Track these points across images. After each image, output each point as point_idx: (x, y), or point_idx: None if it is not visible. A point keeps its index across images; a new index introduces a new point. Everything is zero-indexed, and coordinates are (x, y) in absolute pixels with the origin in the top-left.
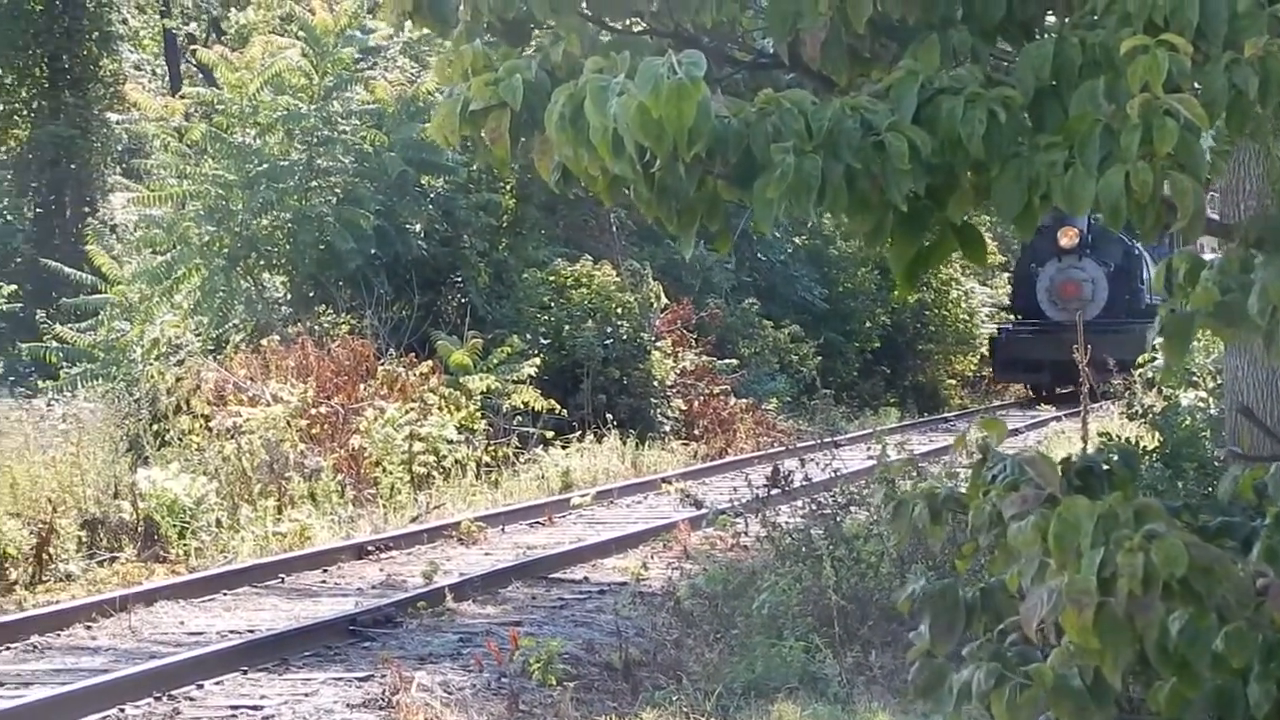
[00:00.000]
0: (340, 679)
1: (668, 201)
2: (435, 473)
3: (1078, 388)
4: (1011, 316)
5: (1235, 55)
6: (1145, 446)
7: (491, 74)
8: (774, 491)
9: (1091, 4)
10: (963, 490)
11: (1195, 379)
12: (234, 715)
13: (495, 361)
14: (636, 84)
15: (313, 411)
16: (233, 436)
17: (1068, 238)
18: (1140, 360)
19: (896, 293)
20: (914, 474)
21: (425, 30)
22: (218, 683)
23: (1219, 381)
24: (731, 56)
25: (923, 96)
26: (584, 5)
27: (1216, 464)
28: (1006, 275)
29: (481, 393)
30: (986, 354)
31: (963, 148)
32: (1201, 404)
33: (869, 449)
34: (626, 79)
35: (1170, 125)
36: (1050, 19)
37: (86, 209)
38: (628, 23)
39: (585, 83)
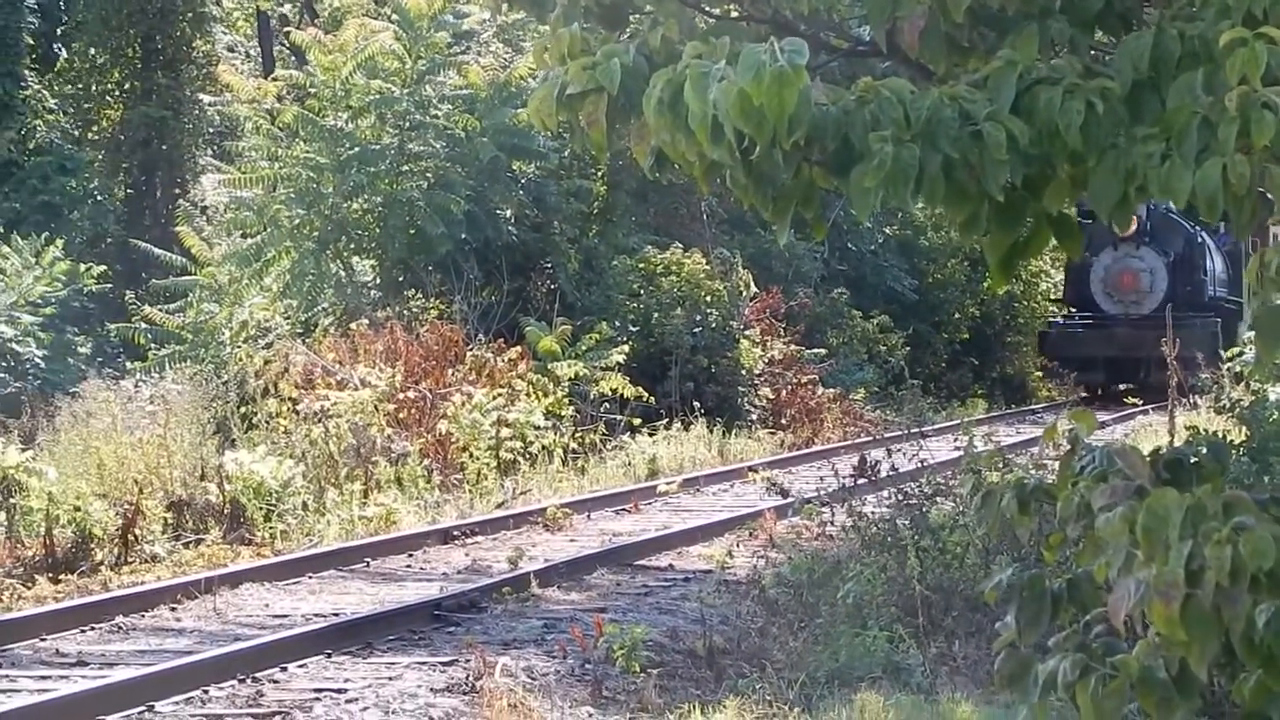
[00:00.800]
0: (424, 663)
1: (764, 188)
2: (522, 459)
3: (1140, 385)
4: (1060, 312)
5: None
6: (1233, 440)
7: (589, 58)
8: (860, 481)
9: None
10: (1051, 481)
11: None
12: (317, 698)
13: (584, 348)
14: (738, 70)
15: (400, 396)
16: (320, 420)
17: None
18: (1229, 354)
19: (989, 284)
20: (1001, 465)
21: (521, 14)
22: (301, 665)
23: None
24: (828, 44)
25: (1021, 86)
26: None
27: None
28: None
29: (569, 379)
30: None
31: (1060, 138)
32: None
33: (956, 440)
34: (727, 65)
35: (1268, 118)
36: (1149, 11)
37: (177, 190)
38: (726, 8)
39: (684, 68)
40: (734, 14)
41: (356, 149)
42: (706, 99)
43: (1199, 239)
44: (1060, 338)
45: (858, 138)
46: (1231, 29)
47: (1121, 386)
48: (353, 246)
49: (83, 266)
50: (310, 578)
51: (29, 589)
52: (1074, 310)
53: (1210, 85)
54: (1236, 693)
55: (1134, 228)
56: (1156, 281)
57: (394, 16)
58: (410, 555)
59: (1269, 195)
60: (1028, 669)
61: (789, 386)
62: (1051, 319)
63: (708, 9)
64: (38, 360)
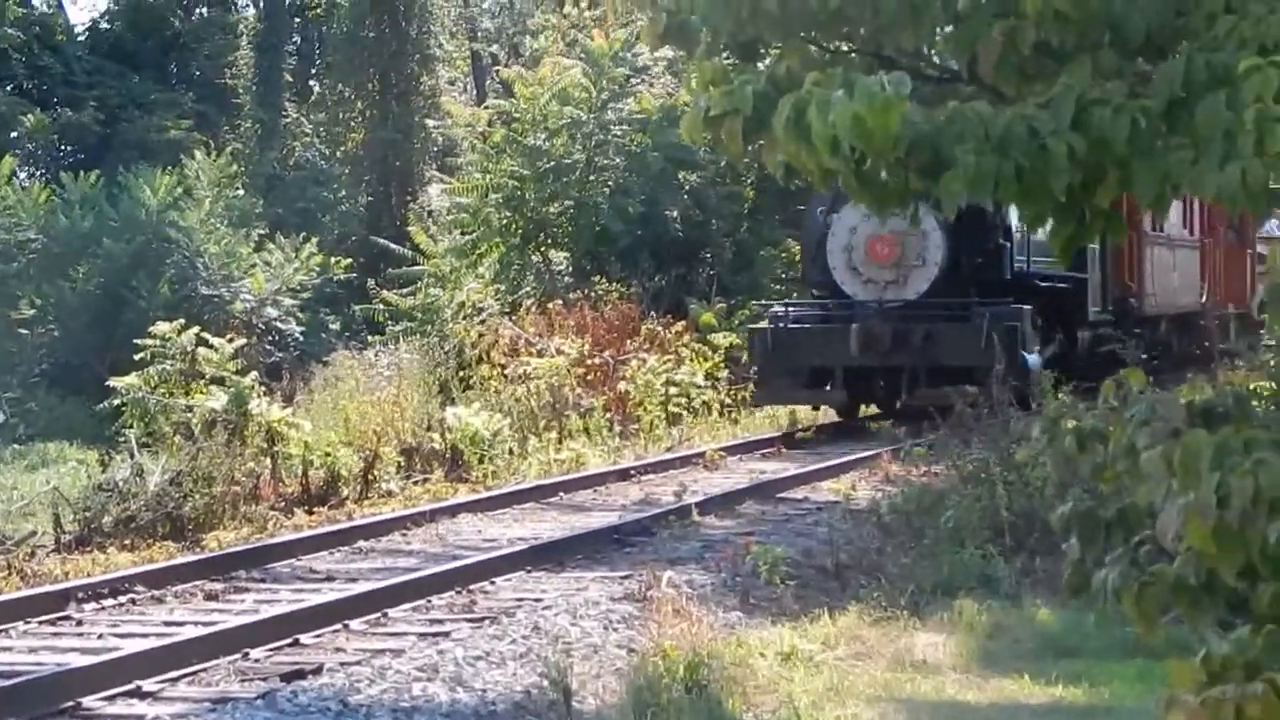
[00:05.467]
0: (606, 577)
1: (871, 189)
2: (686, 412)
3: (902, 408)
4: (792, 300)
5: None
6: (1262, 392)
7: (728, 85)
8: (961, 429)
9: (1214, 31)
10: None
11: None
12: (519, 605)
13: (736, 322)
14: (855, 97)
15: (588, 362)
16: (523, 382)
17: None
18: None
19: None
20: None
21: (676, 50)
22: (507, 580)
23: None
24: (922, 73)
25: (1078, 107)
26: (804, 31)
27: None
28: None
29: (725, 347)
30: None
31: (1110, 147)
32: None
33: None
34: (843, 92)
35: (1279, 130)
36: (1181, 43)
37: (408, 198)
38: (838, 44)
39: (807, 93)
40: (845, 49)
41: (552, 163)
42: (827, 119)
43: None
44: (776, 340)
45: (947, 150)
46: (1248, 57)
47: (873, 409)
48: (549, 241)
49: (333, 259)
50: (514, 509)
51: (289, 519)
52: (815, 294)
53: (1232, 103)
54: (1256, 602)
55: None
56: (928, 251)
57: (582, 55)
58: (595, 490)
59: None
60: (1089, 581)
61: None
62: (777, 311)
63: (824, 44)
64: (297, 335)
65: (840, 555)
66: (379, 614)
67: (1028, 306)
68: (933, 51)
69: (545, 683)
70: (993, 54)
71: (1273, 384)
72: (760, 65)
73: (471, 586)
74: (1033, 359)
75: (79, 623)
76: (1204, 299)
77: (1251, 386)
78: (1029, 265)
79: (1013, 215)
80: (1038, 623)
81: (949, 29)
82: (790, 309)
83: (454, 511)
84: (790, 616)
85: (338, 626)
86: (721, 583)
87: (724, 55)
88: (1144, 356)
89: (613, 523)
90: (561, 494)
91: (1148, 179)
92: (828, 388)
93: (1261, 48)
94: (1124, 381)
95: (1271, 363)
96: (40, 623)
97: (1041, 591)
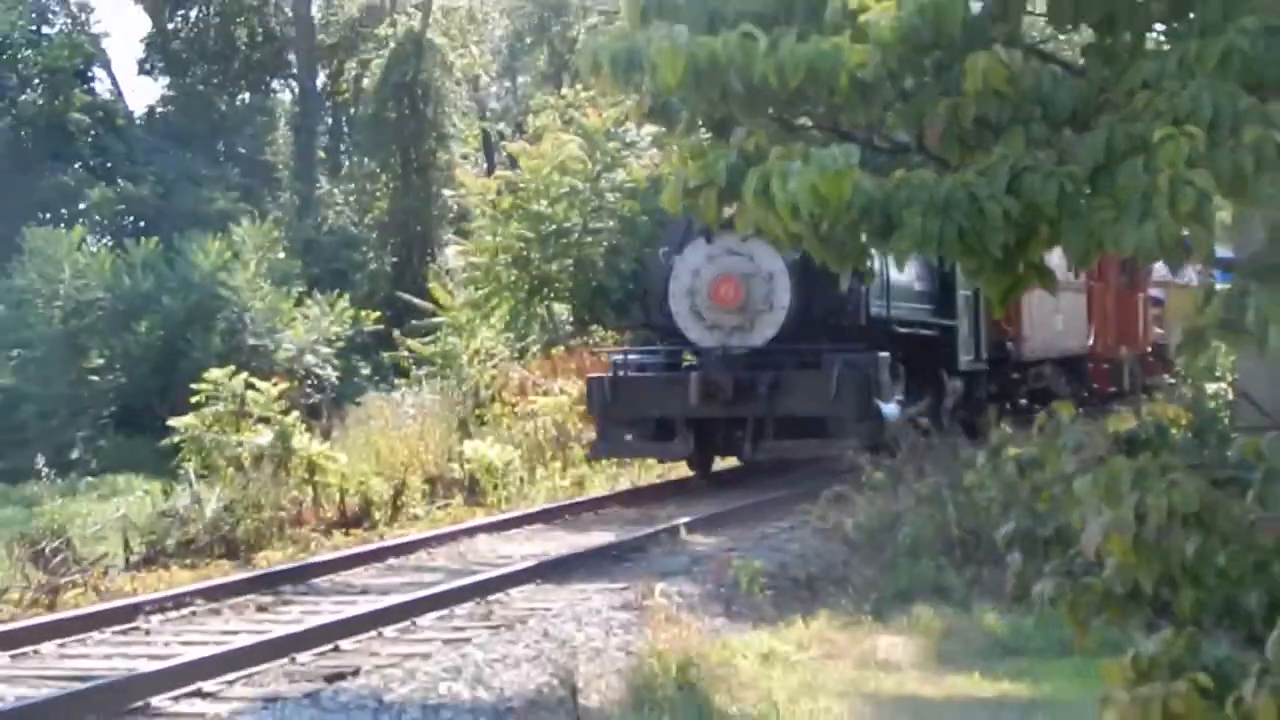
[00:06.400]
0: (606, 588)
1: (830, 249)
2: None
3: (748, 461)
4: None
5: (1237, 142)
6: (1179, 422)
7: (703, 159)
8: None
9: (1133, 105)
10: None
11: (1218, 374)
12: (531, 614)
13: None
14: (810, 169)
15: None
16: (531, 418)
17: None
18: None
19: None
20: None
21: (659, 127)
22: (520, 591)
23: (1234, 375)
24: (874, 145)
25: (1012, 173)
26: (770, 110)
27: (1231, 435)
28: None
29: None
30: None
31: (1041, 209)
32: (1222, 391)
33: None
34: (802, 163)
35: (1189, 192)
36: (1102, 117)
37: (428, 258)
38: (801, 121)
39: (771, 165)
40: (806, 124)
41: (554, 227)
42: (787, 188)
43: None
44: (615, 390)
45: (896, 213)
46: (1163, 128)
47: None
48: (552, 295)
49: (363, 312)
50: (525, 529)
51: (328, 540)
52: (660, 340)
53: (1148, 168)
54: (1177, 606)
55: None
56: (775, 295)
57: (578, 131)
58: (596, 512)
59: (1192, 245)
60: (1029, 590)
61: None
62: (617, 359)
63: (789, 121)
64: (333, 379)
65: (811, 568)
66: (409, 622)
67: (884, 354)
68: (884, 126)
69: (555, 682)
70: (938, 127)
71: (1189, 414)
72: (731, 140)
73: (489, 598)
74: (889, 408)
75: (147, 632)
76: (1091, 342)
77: (1171, 416)
78: (888, 310)
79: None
80: (985, 626)
81: (898, 106)
82: (630, 356)
83: (472, 532)
84: (768, 622)
85: (373, 633)
86: (708, 593)
87: (700, 130)
88: (1024, 401)
89: (611, 540)
90: (566, 515)
91: (1075, 237)
92: (675, 440)
93: (1174, 119)
94: (1055, 413)
95: (1188, 395)
96: (113, 633)
97: (988, 599)
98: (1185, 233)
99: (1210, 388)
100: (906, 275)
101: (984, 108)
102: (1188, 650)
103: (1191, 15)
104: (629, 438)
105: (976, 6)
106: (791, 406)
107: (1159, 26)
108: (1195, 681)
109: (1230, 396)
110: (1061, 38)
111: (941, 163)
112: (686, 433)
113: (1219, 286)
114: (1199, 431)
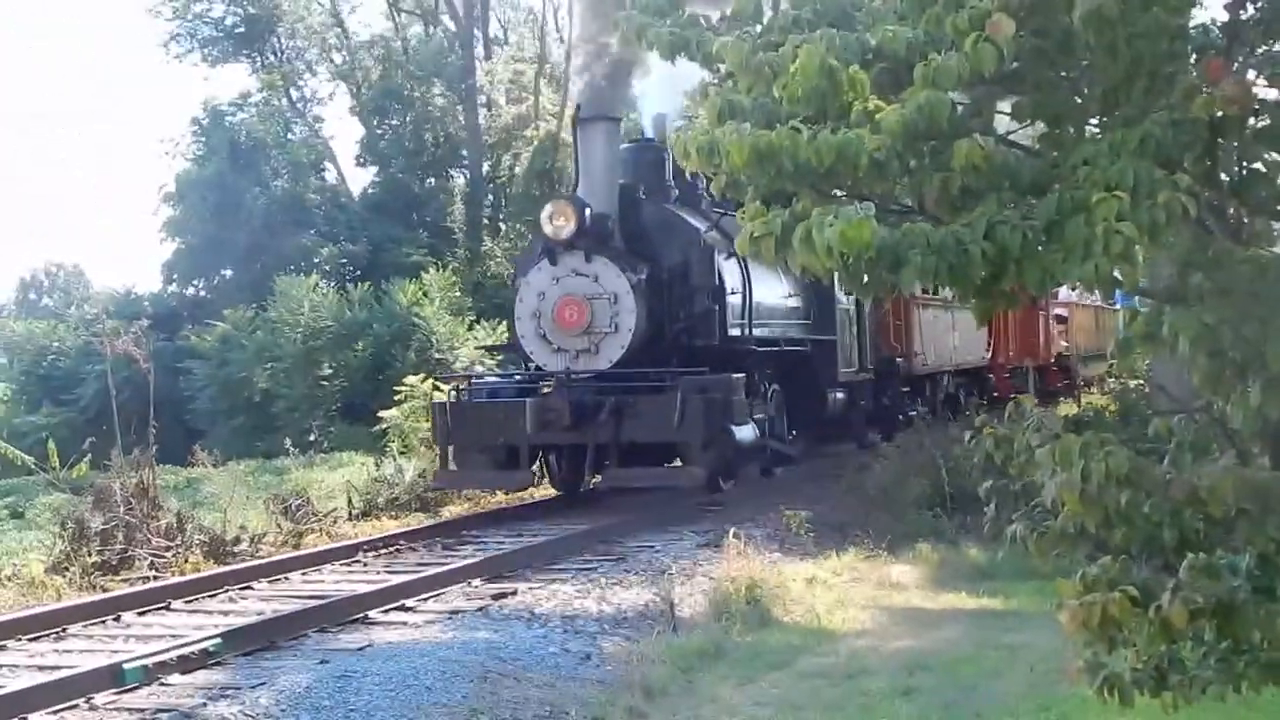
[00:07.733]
0: (694, 531)
1: (856, 279)
2: None
3: (585, 492)
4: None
5: (1153, 203)
6: (1109, 409)
7: (765, 218)
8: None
9: (1076, 177)
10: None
11: (1138, 373)
12: (641, 551)
13: None
14: (840, 220)
15: None
16: None
17: (560, 219)
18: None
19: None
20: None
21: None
22: (632, 537)
23: (1150, 372)
24: (888, 207)
25: (988, 226)
26: (811, 183)
27: (1149, 417)
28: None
29: None
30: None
31: (1009, 252)
32: (1143, 384)
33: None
34: (834, 218)
35: (1119, 240)
36: (1055, 186)
37: None
38: (835, 190)
39: (813, 220)
40: (839, 192)
41: None
42: (824, 235)
43: (709, 234)
44: (455, 416)
45: (903, 254)
46: (1099, 193)
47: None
48: None
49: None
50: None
51: (493, 497)
52: (507, 367)
53: (1088, 222)
54: (1111, 541)
55: (572, 225)
56: (620, 317)
57: None
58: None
59: (1119, 279)
60: (1003, 531)
61: None
62: (460, 384)
63: (825, 191)
64: None
65: (842, 516)
66: (551, 557)
67: (737, 375)
68: (894, 194)
69: (658, 599)
70: (933, 194)
71: (1118, 402)
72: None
73: (611, 540)
74: (743, 431)
75: (365, 565)
76: (990, 354)
77: (1103, 404)
78: (749, 330)
79: (729, 277)
80: (970, 558)
81: (904, 179)
82: (474, 381)
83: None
84: (811, 556)
85: (526, 566)
86: (766, 535)
87: (762, 200)
88: (924, 409)
89: (698, 500)
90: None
91: (1034, 273)
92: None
93: (1107, 186)
94: (1021, 403)
95: (1117, 388)
96: (340, 565)
97: (972, 539)
98: (1115, 271)
99: (1132, 383)
100: (774, 294)
101: (967, 179)
102: (1121, 572)
103: (1118, 112)
104: (466, 469)
105: (960, 108)
106: (635, 432)
107: (1094, 121)
108: (1126, 594)
109: (1147, 389)
110: (1023, 129)
111: (936, 219)
112: (529, 461)
113: (1137, 309)
114: (1125, 415)
